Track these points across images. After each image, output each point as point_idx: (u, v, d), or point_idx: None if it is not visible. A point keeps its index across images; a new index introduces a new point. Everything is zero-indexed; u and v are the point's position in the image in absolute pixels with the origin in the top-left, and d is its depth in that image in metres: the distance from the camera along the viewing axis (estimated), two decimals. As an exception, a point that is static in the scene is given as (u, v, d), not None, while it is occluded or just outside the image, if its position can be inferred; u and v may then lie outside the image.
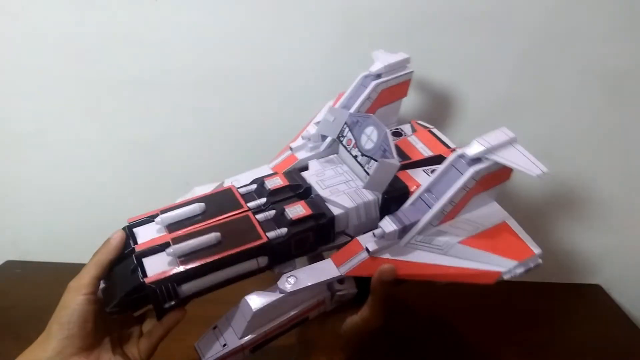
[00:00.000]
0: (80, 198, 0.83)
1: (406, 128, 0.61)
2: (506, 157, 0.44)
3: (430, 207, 0.46)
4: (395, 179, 0.48)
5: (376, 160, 0.47)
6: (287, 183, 0.49)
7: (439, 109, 0.72)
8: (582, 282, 0.83)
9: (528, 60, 0.68)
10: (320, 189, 0.50)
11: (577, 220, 0.78)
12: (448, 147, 0.56)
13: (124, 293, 0.41)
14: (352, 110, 0.56)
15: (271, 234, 0.44)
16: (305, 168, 0.54)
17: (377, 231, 0.45)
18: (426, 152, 0.55)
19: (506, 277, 0.42)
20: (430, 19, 0.66)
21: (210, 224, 0.45)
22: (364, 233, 0.47)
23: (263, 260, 0.45)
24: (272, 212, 0.47)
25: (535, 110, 0.71)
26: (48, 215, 0.86)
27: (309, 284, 0.44)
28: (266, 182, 0.49)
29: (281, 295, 0.44)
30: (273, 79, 0.71)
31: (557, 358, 0.68)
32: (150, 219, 0.46)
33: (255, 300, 0.44)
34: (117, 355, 0.44)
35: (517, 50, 0.68)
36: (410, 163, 0.53)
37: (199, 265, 0.41)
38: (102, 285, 0.44)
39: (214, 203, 0.47)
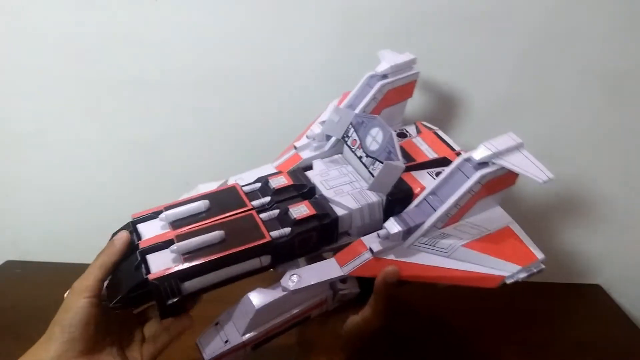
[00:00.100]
0: (80, 198, 0.83)
1: (411, 129, 0.61)
2: (513, 162, 0.45)
3: (435, 210, 0.46)
4: (400, 180, 0.49)
5: (381, 162, 0.47)
6: (291, 182, 0.49)
7: (439, 109, 0.72)
8: (582, 282, 0.83)
9: (528, 60, 0.68)
10: (325, 189, 0.50)
11: (577, 220, 0.78)
12: (453, 149, 0.56)
13: (127, 289, 0.41)
14: (357, 110, 0.56)
15: (274, 234, 0.45)
16: (309, 168, 0.54)
17: (381, 232, 0.45)
18: (431, 154, 0.56)
19: (509, 281, 0.43)
20: (430, 19, 0.66)
21: (214, 222, 0.45)
22: (366, 234, 0.48)
23: (266, 259, 0.45)
24: (276, 211, 0.47)
25: (535, 110, 0.71)
26: (48, 215, 0.86)
27: (312, 283, 0.44)
28: (270, 181, 0.49)
29: (284, 293, 0.44)
30: (273, 79, 0.71)
31: (557, 358, 0.68)
32: (154, 215, 0.46)
33: (258, 298, 0.44)
34: (119, 358, 0.44)
35: (517, 50, 0.68)
36: (414, 165, 0.53)
37: (202, 263, 0.41)
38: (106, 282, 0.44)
39: (218, 201, 0.47)
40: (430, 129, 0.61)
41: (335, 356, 0.49)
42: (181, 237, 0.43)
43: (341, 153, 0.56)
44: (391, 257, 0.46)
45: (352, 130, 0.52)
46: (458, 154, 0.55)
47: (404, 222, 0.45)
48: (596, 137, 0.72)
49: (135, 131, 0.77)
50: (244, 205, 0.47)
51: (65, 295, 0.43)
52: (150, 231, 0.45)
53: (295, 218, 0.45)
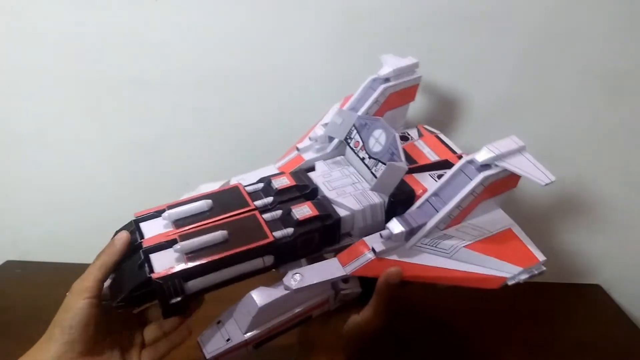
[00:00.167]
0: (80, 198, 0.83)
1: (413, 132, 0.61)
2: (515, 165, 0.45)
3: (437, 211, 0.46)
4: (402, 182, 0.49)
5: (384, 163, 0.48)
6: (293, 183, 0.50)
7: (439, 109, 0.72)
8: (582, 282, 0.83)
9: (528, 60, 0.68)
10: (327, 190, 0.50)
11: (577, 220, 0.78)
12: (454, 152, 0.57)
13: (131, 288, 0.41)
14: (359, 113, 0.56)
15: (277, 234, 0.45)
16: (312, 169, 0.54)
17: (384, 232, 0.45)
18: (433, 157, 0.56)
19: (510, 283, 0.43)
20: (430, 19, 0.66)
21: (217, 222, 0.45)
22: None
23: (269, 259, 0.45)
24: (279, 212, 0.47)
25: (535, 110, 0.71)
26: (48, 215, 0.86)
27: (314, 282, 0.44)
28: (273, 181, 0.50)
29: (286, 292, 0.44)
30: (273, 79, 0.71)
31: (557, 358, 0.68)
32: (157, 214, 0.46)
33: (261, 296, 0.44)
34: None
35: (517, 50, 0.68)
36: (417, 167, 0.53)
37: (205, 263, 0.41)
38: (108, 281, 0.44)
39: (220, 200, 0.47)
40: (432, 132, 0.61)
41: (336, 356, 0.49)
42: (184, 237, 0.43)
43: (343, 155, 0.56)
44: (393, 257, 0.46)
45: (354, 132, 0.53)
46: (459, 157, 0.55)
47: (406, 223, 0.45)
48: (596, 137, 0.73)
49: (135, 131, 0.77)
50: (247, 205, 0.47)
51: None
52: (152, 230, 0.45)
53: (297, 219, 0.45)
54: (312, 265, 0.46)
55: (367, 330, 0.47)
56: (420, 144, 0.58)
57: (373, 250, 0.46)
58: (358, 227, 0.49)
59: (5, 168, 0.81)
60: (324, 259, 0.48)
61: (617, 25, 0.65)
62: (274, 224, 0.46)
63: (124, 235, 0.44)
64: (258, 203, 0.48)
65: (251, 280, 0.45)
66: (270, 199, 0.48)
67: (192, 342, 0.46)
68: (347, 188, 0.50)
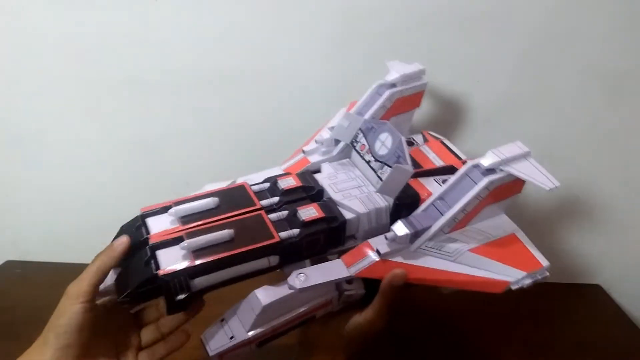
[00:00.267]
0: (80, 198, 0.83)
1: (418, 138, 0.62)
2: (520, 170, 0.45)
3: (442, 214, 0.47)
4: (407, 186, 0.49)
5: (390, 166, 0.48)
6: (300, 184, 0.50)
7: (439, 109, 0.72)
8: (582, 282, 0.83)
9: (528, 60, 0.68)
10: (333, 192, 0.50)
11: (577, 220, 0.78)
12: (459, 158, 0.58)
13: (137, 284, 0.41)
14: (365, 117, 0.57)
15: (283, 234, 0.45)
16: (318, 171, 0.55)
17: (389, 234, 0.46)
18: (438, 162, 0.57)
19: (514, 287, 0.44)
20: (430, 19, 0.66)
21: (224, 220, 0.45)
22: None
23: (274, 259, 0.45)
24: (285, 212, 0.47)
25: (535, 110, 0.71)
26: (48, 215, 0.85)
27: (319, 282, 0.45)
28: (279, 181, 0.50)
29: (291, 291, 0.44)
30: (273, 79, 0.71)
31: (557, 358, 0.68)
32: (163, 210, 0.47)
33: (265, 295, 0.44)
34: None
35: (517, 50, 0.68)
36: (422, 171, 0.54)
37: (212, 261, 0.42)
38: (113, 275, 0.44)
39: (227, 198, 0.48)
40: (436, 138, 0.62)
41: (336, 356, 0.49)
42: (191, 234, 0.43)
43: (349, 158, 0.57)
44: (398, 259, 0.46)
45: (360, 135, 0.53)
46: (464, 162, 0.56)
47: (411, 225, 0.46)
48: (596, 137, 0.73)
49: (135, 131, 0.77)
50: (253, 204, 0.48)
51: None
52: (159, 226, 0.45)
53: (304, 220, 0.46)
54: (316, 265, 0.46)
55: (369, 331, 0.47)
56: (426, 149, 0.59)
57: (378, 252, 0.46)
58: (363, 229, 0.49)
59: (5, 168, 0.81)
60: (328, 260, 0.48)
61: (617, 25, 0.65)
62: (279, 224, 0.46)
63: (124, 239, 0.44)
64: (264, 203, 0.48)
65: (253, 281, 0.45)
66: (276, 199, 0.49)
67: (194, 343, 0.46)
68: (353, 191, 0.51)
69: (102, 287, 0.43)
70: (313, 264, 0.47)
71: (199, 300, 0.46)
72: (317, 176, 0.53)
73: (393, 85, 0.58)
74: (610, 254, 0.81)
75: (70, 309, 0.41)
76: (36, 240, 0.88)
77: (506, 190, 0.48)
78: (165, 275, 0.40)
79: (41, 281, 0.82)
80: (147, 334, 0.48)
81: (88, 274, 0.42)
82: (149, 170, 0.80)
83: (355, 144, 0.54)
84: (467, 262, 0.46)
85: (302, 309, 0.46)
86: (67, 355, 0.40)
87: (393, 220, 0.47)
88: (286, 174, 0.53)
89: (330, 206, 0.48)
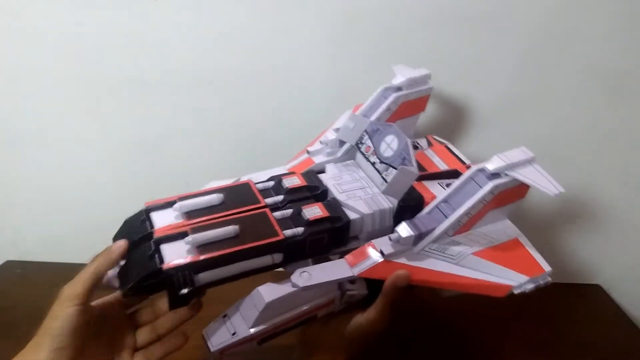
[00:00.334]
0: (80, 198, 0.83)
1: (422, 142, 0.62)
2: (525, 175, 0.46)
3: (446, 217, 0.47)
4: (412, 189, 0.50)
5: (395, 168, 0.48)
6: (304, 183, 0.50)
7: (439, 109, 0.72)
8: (582, 282, 0.83)
9: (528, 60, 0.68)
10: (337, 193, 0.50)
11: (577, 220, 0.78)
12: (463, 163, 0.58)
13: (140, 277, 0.41)
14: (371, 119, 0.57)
15: (288, 232, 0.45)
16: (322, 171, 0.55)
17: (393, 235, 0.46)
18: (442, 166, 0.57)
19: (516, 291, 0.45)
20: (430, 19, 0.66)
21: (228, 216, 0.45)
22: None
23: (278, 257, 0.45)
24: (289, 210, 0.47)
25: (535, 110, 0.71)
26: (48, 215, 0.85)
27: (322, 281, 0.45)
28: (284, 180, 0.50)
29: (294, 289, 0.44)
30: (273, 79, 0.71)
31: (557, 358, 0.68)
32: (167, 204, 0.47)
33: (268, 292, 0.44)
34: None
35: (517, 50, 0.68)
36: (426, 175, 0.54)
37: (216, 256, 0.42)
38: (116, 268, 0.44)
39: (231, 195, 0.48)
40: (441, 142, 0.63)
41: (337, 356, 0.49)
42: (196, 229, 0.43)
43: (353, 160, 0.57)
44: (401, 260, 0.46)
45: (366, 137, 0.53)
46: (468, 167, 0.56)
47: (415, 227, 0.46)
48: (596, 137, 0.73)
49: (135, 131, 0.77)
50: (258, 201, 0.48)
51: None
52: (163, 220, 0.45)
53: (308, 219, 0.46)
54: (320, 264, 0.46)
55: (370, 332, 0.47)
56: (430, 153, 0.60)
57: (381, 252, 0.46)
58: (366, 231, 0.50)
59: (5, 168, 0.81)
60: (330, 260, 0.48)
61: (617, 25, 0.65)
62: (284, 223, 0.46)
63: (122, 243, 0.44)
64: (268, 201, 0.48)
65: (253, 281, 0.45)
66: (280, 197, 0.49)
67: (195, 343, 0.46)
68: (357, 192, 0.51)
69: (105, 279, 0.43)
70: (315, 263, 0.47)
71: (197, 300, 0.46)
72: (321, 176, 0.53)
73: (399, 88, 0.59)
74: (610, 254, 0.81)
75: (64, 311, 0.40)
76: (36, 240, 0.88)
77: (510, 195, 0.49)
78: (170, 269, 0.40)
79: (41, 281, 0.81)
80: (143, 335, 0.48)
81: (83, 276, 0.42)
82: (149, 170, 0.80)
83: (360, 146, 0.54)
84: (470, 265, 0.46)
85: (304, 308, 0.46)
86: (61, 357, 0.40)
87: (396, 223, 0.48)
88: (291, 173, 0.53)
89: (334, 206, 0.48)
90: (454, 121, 0.73)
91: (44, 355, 0.40)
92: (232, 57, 0.70)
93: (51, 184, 0.82)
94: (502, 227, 0.50)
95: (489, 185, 0.46)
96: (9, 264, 0.88)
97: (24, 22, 0.69)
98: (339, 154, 0.57)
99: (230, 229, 0.43)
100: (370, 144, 0.52)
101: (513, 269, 0.45)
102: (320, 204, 0.48)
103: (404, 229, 0.46)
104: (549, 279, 0.45)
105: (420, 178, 0.51)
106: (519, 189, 0.49)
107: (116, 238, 0.46)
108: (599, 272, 0.82)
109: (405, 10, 0.66)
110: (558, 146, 0.73)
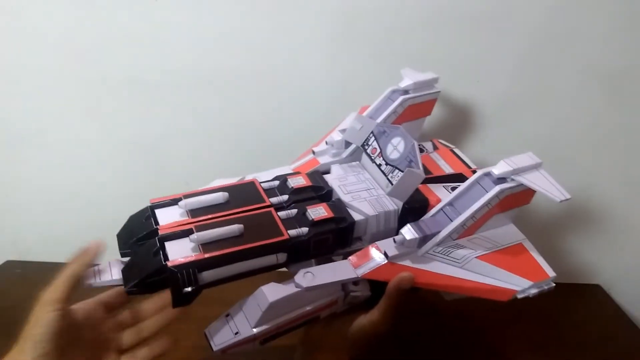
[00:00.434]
0: (80, 198, 0.83)
1: (427, 145, 0.62)
2: (531, 180, 0.46)
3: (451, 220, 0.47)
4: (417, 191, 0.50)
5: (401, 170, 0.48)
6: (309, 183, 0.50)
7: (439, 109, 0.72)
8: (582, 282, 0.83)
9: (528, 60, 0.68)
10: (342, 194, 0.50)
11: (577, 220, 0.78)
12: (469, 167, 0.58)
13: (145, 274, 0.41)
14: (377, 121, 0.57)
15: (293, 232, 0.45)
16: (327, 172, 0.55)
17: (397, 237, 0.46)
18: (447, 170, 0.57)
19: (520, 296, 0.45)
20: (430, 19, 0.66)
21: (233, 215, 0.45)
22: None
23: (282, 257, 0.45)
24: (294, 210, 0.47)
25: (535, 110, 0.71)
26: (48, 215, 0.85)
27: (326, 282, 0.45)
28: (289, 180, 0.50)
29: (297, 289, 0.44)
30: (273, 79, 0.71)
31: (557, 357, 0.68)
32: (172, 202, 0.47)
33: (272, 292, 0.44)
34: None
35: (517, 50, 0.68)
36: (431, 178, 0.54)
37: (221, 255, 0.42)
38: (120, 265, 0.44)
39: (236, 194, 0.48)
40: (446, 146, 0.63)
41: (340, 357, 0.49)
42: (201, 227, 0.43)
43: (359, 161, 0.57)
44: (405, 263, 0.46)
45: (372, 138, 0.53)
46: (474, 171, 0.56)
47: (420, 230, 0.46)
48: (596, 137, 0.73)
49: (135, 131, 0.77)
50: (262, 201, 0.48)
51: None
52: (167, 217, 0.45)
53: (313, 219, 0.46)
54: (324, 265, 0.47)
55: (373, 333, 0.47)
56: (436, 156, 0.60)
57: (385, 254, 0.46)
58: (370, 232, 0.50)
59: (5, 168, 0.81)
60: (333, 261, 0.48)
61: (617, 25, 0.65)
62: (288, 222, 0.46)
63: (97, 243, 0.43)
64: (273, 200, 0.48)
65: (253, 281, 0.45)
66: (285, 197, 0.49)
67: (194, 343, 0.46)
68: (362, 193, 0.51)
69: (107, 279, 0.44)
70: (318, 264, 0.47)
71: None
72: (326, 177, 0.53)
73: (406, 91, 0.59)
74: (610, 254, 0.81)
75: (45, 316, 0.40)
76: (36, 240, 0.88)
77: (515, 200, 0.49)
78: (175, 266, 0.40)
79: (41, 281, 0.81)
80: (126, 338, 0.47)
81: (61, 280, 0.42)
82: (149, 170, 0.80)
83: (366, 147, 0.54)
84: (474, 269, 0.46)
85: (307, 308, 0.46)
86: None
87: (401, 225, 0.48)
88: (296, 173, 0.53)
89: (339, 207, 0.48)
90: (453, 121, 0.73)
91: None
92: (232, 57, 0.70)
93: (51, 184, 0.82)
94: (506, 232, 0.50)
95: (494, 190, 0.46)
96: (9, 264, 0.88)
97: (24, 22, 0.69)
98: (345, 155, 0.57)
99: (235, 228, 0.43)
100: (377, 146, 0.52)
101: (517, 273, 0.45)
102: (325, 204, 0.48)
103: (408, 231, 0.46)
104: (553, 284, 0.46)
105: (426, 181, 0.51)
106: (524, 194, 0.49)
107: (120, 234, 0.46)
108: (599, 272, 0.82)
109: (405, 10, 0.66)
110: (558, 146, 0.73)
